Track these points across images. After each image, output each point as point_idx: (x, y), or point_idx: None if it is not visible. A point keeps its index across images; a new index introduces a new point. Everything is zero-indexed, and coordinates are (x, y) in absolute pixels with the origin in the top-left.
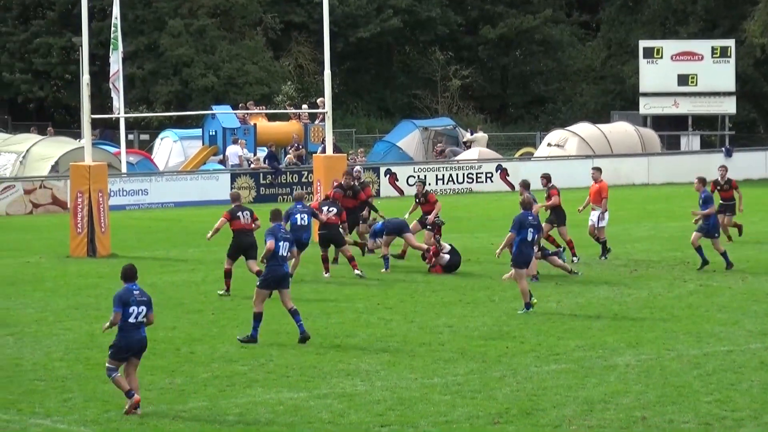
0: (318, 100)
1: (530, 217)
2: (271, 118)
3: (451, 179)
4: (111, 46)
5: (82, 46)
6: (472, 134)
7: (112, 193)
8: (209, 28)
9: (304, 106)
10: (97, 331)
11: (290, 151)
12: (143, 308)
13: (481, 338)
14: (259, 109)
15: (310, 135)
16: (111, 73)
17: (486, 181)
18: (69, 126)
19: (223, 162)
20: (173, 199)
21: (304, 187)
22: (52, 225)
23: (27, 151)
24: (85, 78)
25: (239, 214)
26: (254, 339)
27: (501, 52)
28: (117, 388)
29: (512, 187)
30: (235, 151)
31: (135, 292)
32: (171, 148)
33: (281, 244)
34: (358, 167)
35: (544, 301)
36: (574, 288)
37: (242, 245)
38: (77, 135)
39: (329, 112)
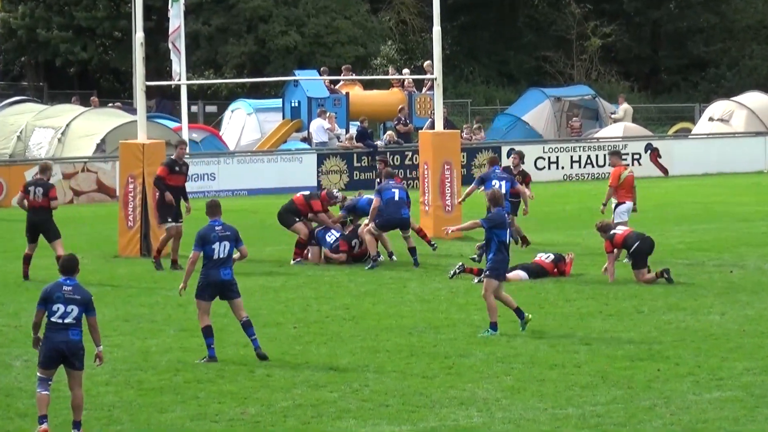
0: (425, 64)
1: (507, 213)
2: (368, 85)
3: (589, 162)
4: None
5: None
6: (617, 108)
7: None
8: None
9: (406, 71)
10: (153, 349)
11: (396, 125)
12: (73, 308)
13: (627, 359)
14: (353, 75)
15: (415, 107)
16: (170, 30)
17: (632, 164)
18: (118, 95)
19: (307, 140)
20: (246, 186)
21: (409, 171)
22: (97, 217)
23: (66, 126)
24: (139, 36)
25: (30, 188)
26: (213, 358)
27: (651, 4)
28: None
29: (665, 171)
30: (321, 126)
31: (66, 288)
32: (244, 122)
33: (217, 246)
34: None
35: (704, 312)
36: (741, 297)
37: (33, 225)
38: (129, 107)
39: (439, 78)
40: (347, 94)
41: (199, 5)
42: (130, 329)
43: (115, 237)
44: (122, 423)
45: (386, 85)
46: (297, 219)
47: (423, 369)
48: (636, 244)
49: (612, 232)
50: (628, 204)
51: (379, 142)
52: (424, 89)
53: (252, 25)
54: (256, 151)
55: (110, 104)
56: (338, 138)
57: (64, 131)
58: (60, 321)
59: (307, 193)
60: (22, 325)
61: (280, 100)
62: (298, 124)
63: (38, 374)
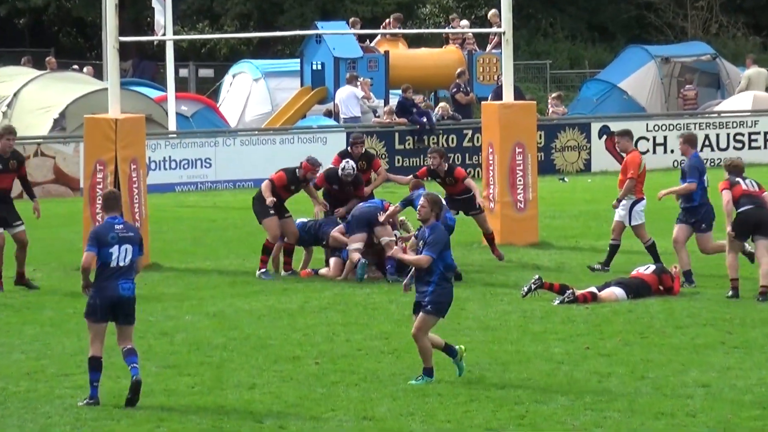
0: (489, 14)
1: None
2: (414, 42)
3: (707, 143)
4: None
5: None
6: (743, 72)
7: (153, 165)
8: None
9: (465, 22)
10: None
11: (453, 94)
12: None
13: (757, 405)
14: (394, 28)
15: (476, 70)
16: None
17: (765, 146)
18: (83, 55)
19: (334, 114)
20: (252, 175)
21: (469, 155)
22: (55, 217)
23: (14, 95)
24: None
25: None
26: (94, 399)
27: None
28: None
29: None
30: (353, 95)
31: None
32: (249, 90)
33: (116, 250)
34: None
35: None
36: None
37: None
38: (97, 70)
39: (508, 32)
40: (387, 53)
41: None
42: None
43: (79, 243)
44: None
45: (439, 41)
46: (271, 211)
47: (486, 419)
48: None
49: (738, 179)
50: (644, 201)
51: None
52: (488, 47)
53: None
54: (266, 129)
55: (72, 67)
56: (374, 112)
57: (11, 102)
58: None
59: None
60: None
61: (298, 61)
62: (321, 94)
63: None
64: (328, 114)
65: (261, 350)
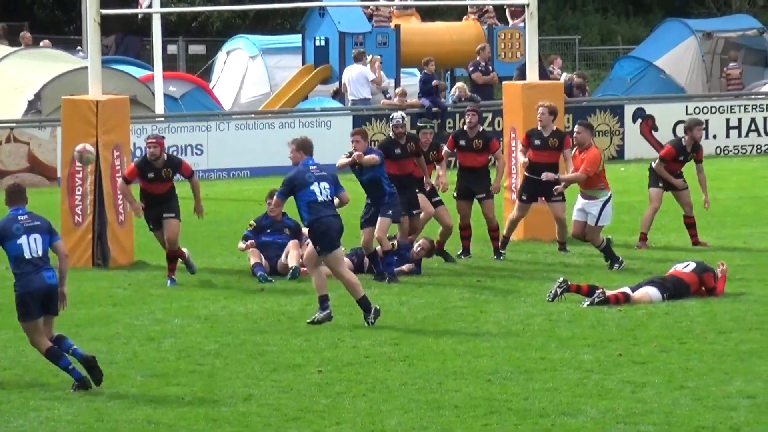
0: None
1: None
2: (428, 15)
3: (753, 128)
4: None
5: None
6: None
7: (139, 152)
8: None
9: None
10: (112, 403)
11: (471, 73)
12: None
13: None
14: (406, 0)
15: (497, 47)
16: None
17: None
18: (60, 29)
19: (340, 95)
20: (249, 163)
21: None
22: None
23: None
24: None
25: None
26: (80, 381)
27: None
28: None
29: None
30: (362, 75)
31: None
32: (245, 69)
33: (24, 240)
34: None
35: None
36: None
37: None
38: (75, 45)
39: (533, 4)
40: (398, 27)
41: None
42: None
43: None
44: None
45: (455, 14)
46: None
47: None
48: None
49: None
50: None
51: (446, 102)
52: (512, 22)
53: None
54: (264, 111)
55: (46, 42)
56: (385, 93)
57: None
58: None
59: None
60: None
61: (299, 36)
62: (324, 73)
63: None
64: (335, 95)
65: (258, 357)
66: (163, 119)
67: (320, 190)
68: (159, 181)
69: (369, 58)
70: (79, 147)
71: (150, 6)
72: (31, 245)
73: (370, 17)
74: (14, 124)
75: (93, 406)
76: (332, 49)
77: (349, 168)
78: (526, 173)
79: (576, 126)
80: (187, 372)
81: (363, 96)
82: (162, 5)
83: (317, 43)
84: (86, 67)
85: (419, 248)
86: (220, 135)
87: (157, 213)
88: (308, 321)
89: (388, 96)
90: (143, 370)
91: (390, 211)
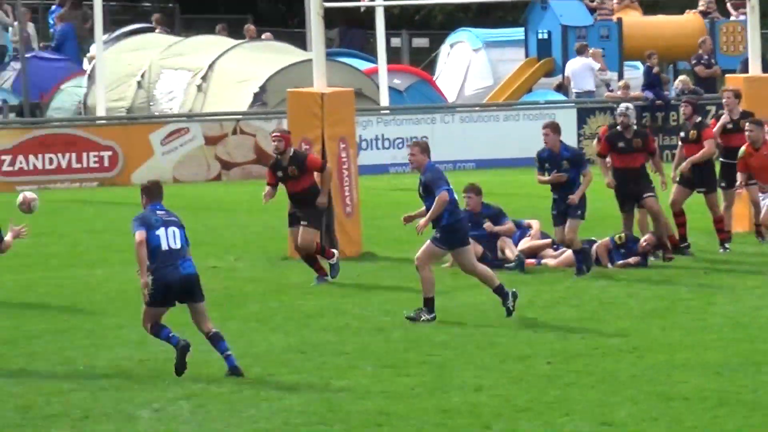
0: None
1: None
2: (650, 9)
3: None
4: None
5: None
6: None
7: (364, 144)
8: None
9: None
10: (343, 394)
11: (693, 66)
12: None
13: None
14: None
15: (719, 39)
16: None
17: None
18: (283, 22)
19: (563, 88)
20: (474, 155)
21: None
22: (257, 200)
23: (209, 67)
24: None
25: None
26: (181, 342)
27: None
28: None
29: None
30: (587, 67)
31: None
32: (469, 62)
33: (162, 232)
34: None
35: None
36: None
37: None
38: (299, 39)
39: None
40: (620, 20)
41: None
42: (309, 365)
43: (284, 230)
44: None
45: (676, 7)
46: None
47: (738, 425)
48: None
49: None
50: None
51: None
52: (734, 14)
53: None
54: (488, 104)
55: (268, 34)
56: (608, 86)
57: (206, 75)
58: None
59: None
60: (149, 359)
61: (521, 29)
62: (548, 66)
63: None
64: (558, 88)
65: (487, 349)
66: (388, 112)
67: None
68: (289, 180)
69: (591, 51)
70: (21, 197)
71: None
72: (169, 237)
73: (593, 11)
74: (240, 117)
75: (323, 396)
76: (555, 42)
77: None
78: (721, 159)
79: (747, 124)
80: (417, 363)
81: (587, 88)
82: None
83: (540, 36)
84: (310, 60)
85: (645, 243)
86: (444, 127)
87: (296, 213)
88: (407, 316)
89: (611, 89)
90: (374, 360)
91: (579, 212)
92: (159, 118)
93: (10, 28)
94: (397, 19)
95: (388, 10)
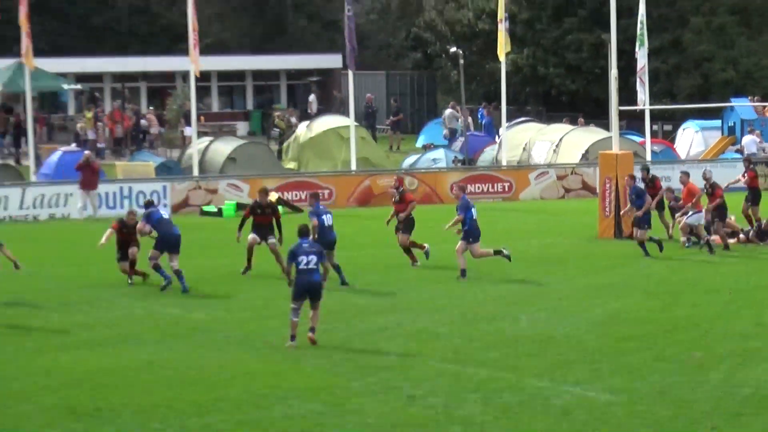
0: None
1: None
2: None
3: None
4: (637, 42)
5: (610, 42)
6: None
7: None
8: (729, 25)
9: None
10: (627, 308)
11: None
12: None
13: None
14: None
15: None
16: (638, 68)
17: None
18: (598, 117)
19: (740, 151)
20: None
21: None
22: (582, 209)
23: (560, 140)
24: (614, 72)
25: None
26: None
27: None
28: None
29: None
30: (751, 141)
31: (304, 245)
32: (692, 138)
33: (303, 258)
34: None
35: None
36: None
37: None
38: (605, 125)
39: None
40: None
41: (659, 48)
42: (598, 295)
43: (595, 223)
44: (601, 362)
45: None
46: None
47: None
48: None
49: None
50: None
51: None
52: None
53: (699, 64)
54: (701, 159)
55: (591, 124)
56: (764, 150)
57: (558, 144)
58: (305, 267)
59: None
60: None
61: (720, 121)
62: (732, 140)
63: (291, 305)
64: (737, 151)
65: (693, 287)
66: (651, 163)
67: None
68: (395, 204)
69: (756, 132)
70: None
71: (644, 105)
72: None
73: (757, 111)
74: (575, 165)
75: (606, 315)
76: (737, 128)
77: None
78: None
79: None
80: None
81: (752, 151)
82: (650, 105)
83: (729, 124)
84: (611, 137)
85: None
86: (675, 172)
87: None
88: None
89: (766, 151)
90: (640, 289)
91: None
92: (532, 166)
93: (461, 119)
94: (656, 115)
95: (651, 111)
